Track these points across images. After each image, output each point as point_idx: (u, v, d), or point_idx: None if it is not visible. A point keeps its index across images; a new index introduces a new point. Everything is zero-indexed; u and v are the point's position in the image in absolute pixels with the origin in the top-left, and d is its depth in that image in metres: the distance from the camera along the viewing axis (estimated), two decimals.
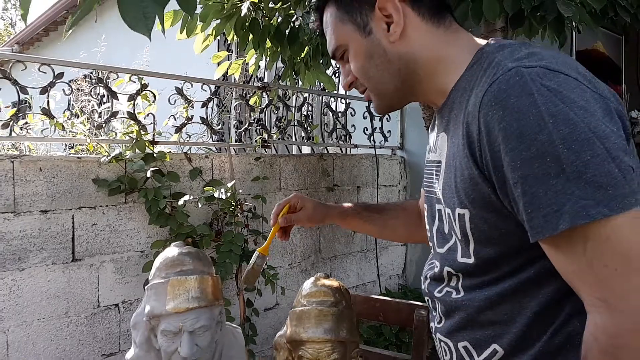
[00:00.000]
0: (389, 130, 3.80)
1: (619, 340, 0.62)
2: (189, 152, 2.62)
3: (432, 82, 0.87)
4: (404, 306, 1.68)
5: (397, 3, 0.84)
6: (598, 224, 0.62)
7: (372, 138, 3.61)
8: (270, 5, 2.71)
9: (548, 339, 0.75)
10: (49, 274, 2.15)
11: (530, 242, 0.69)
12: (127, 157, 2.31)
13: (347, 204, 1.31)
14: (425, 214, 0.98)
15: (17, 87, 2.09)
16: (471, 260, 0.83)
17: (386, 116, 3.74)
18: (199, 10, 2.63)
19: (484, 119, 0.70)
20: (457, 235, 0.84)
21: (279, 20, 2.73)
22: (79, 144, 2.54)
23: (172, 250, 1.25)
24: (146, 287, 1.23)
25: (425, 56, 0.85)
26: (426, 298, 0.99)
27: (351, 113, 3.55)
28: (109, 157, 2.25)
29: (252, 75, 3.23)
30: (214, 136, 2.83)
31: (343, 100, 3.55)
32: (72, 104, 2.35)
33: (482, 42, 0.84)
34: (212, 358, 1.28)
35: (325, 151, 3.37)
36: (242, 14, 2.62)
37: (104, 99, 2.54)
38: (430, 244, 0.98)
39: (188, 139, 2.70)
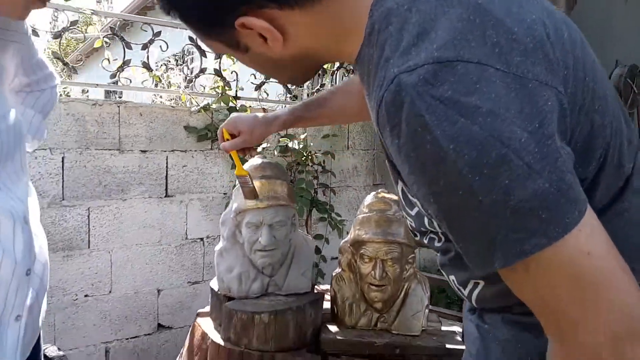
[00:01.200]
0: None
1: None
2: (267, 108, 2.86)
3: (337, 54, 0.74)
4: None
5: (259, 21, 0.64)
6: (537, 256, 0.52)
7: None
8: None
9: None
10: (145, 206, 2.47)
11: None
12: (214, 108, 2.59)
13: (287, 113, 1.27)
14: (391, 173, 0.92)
15: (123, 43, 2.41)
16: (438, 229, 0.78)
17: None
18: None
19: (387, 142, 0.58)
20: (417, 204, 0.78)
21: None
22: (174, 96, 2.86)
23: (257, 160, 1.48)
24: (234, 188, 1.47)
25: (317, 43, 0.70)
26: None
27: None
28: (198, 107, 2.53)
29: None
30: (289, 95, 3.06)
31: None
32: (168, 60, 2.65)
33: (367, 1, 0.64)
34: (286, 253, 1.50)
35: None
36: None
37: (193, 58, 2.82)
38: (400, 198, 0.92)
39: (267, 96, 2.94)
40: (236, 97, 2.74)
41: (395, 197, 1.50)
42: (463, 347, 0.96)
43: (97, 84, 2.54)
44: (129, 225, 2.43)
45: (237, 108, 2.66)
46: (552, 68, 0.56)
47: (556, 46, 0.58)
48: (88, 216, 2.33)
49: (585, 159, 0.62)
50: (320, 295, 1.55)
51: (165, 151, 2.51)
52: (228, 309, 1.42)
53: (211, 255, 2.68)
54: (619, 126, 0.68)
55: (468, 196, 0.51)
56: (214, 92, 2.69)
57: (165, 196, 2.53)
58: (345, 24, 0.66)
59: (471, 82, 0.51)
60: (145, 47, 2.46)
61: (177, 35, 2.56)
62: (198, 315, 1.61)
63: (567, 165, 0.53)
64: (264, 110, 2.78)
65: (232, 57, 2.73)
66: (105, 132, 2.33)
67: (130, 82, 2.48)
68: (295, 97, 3.12)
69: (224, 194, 2.71)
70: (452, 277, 0.85)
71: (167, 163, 2.52)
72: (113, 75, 2.41)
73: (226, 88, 2.70)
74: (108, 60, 2.38)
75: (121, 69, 2.42)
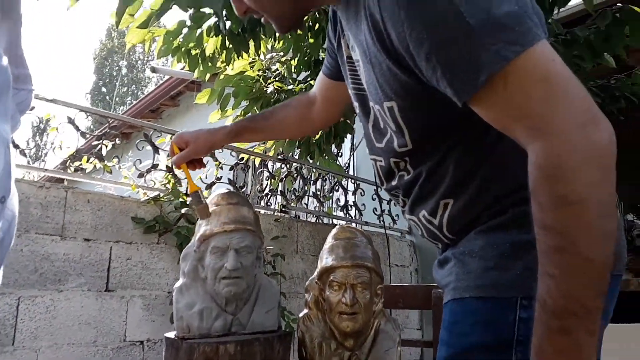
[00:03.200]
0: (397, 214, 4.06)
1: (560, 159, 0.61)
2: None
3: None
4: (421, 289, 1.81)
5: None
6: (514, 62, 0.62)
7: (381, 218, 3.86)
8: (291, 87, 3.19)
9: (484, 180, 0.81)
10: (83, 300, 2.27)
11: (459, 113, 0.71)
12: (164, 200, 2.58)
13: (233, 124, 1.34)
14: (358, 111, 0.99)
15: (79, 133, 2.44)
16: (409, 147, 0.86)
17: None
18: (230, 90, 3.11)
19: (382, 4, 0.70)
20: (391, 128, 0.86)
21: None
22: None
23: (222, 190, 1.48)
24: (197, 221, 1.43)
25: None
26: (390, 195, 1.02)
27: (361, 193, 3.85)
28: (148, 198, 2.52)
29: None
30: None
31: (353, 181, 3.88)
32: (121, 153, 2.68)
33: None
34: (251, 289, 1.42)
35: (338, 223, 3.61)
36: (268, 92, 3.08)
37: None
38: (367, 142, 1.00)
39: None
40: (187, 194, 2.75)
41: (360, 229, 1.52)
42: None
43: (45, 169, 2.49)
44: (62, 320, 2.20)
45: (188, 203, 2.65)
46: None
47: None
48: (17, 307, 2.10)
49: None
50: (288, 333, 1.44)
51: (109, 241, 2.40)
52: (188, 345, 1.28)
53: None
54: None
55: (457, 21, 0.63)
56: (165, 188, 2.70)
57: (106, 290, 2.36)
58: None
59: None
60: (99, 138, 2.50)
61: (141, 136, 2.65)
62: None
63: (528, 2, 0.67)
64: None
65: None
66: (49, 217, 2.23)
67: (81, 171, 2.46)
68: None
69: (168, 292, 2.55)
70: (422, 213, 0.91)
71: (110, 254, 2.40)
72: (63, 162, 2.39)
73: (177, 184, 2.72)
74: (60, 147, 2.38)
75: (72, 157, 2.41)
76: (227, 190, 1.48)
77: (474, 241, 0.83)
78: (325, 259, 1.44)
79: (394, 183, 0.95)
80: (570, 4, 2.72)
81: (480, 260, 0.81)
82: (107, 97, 22.77)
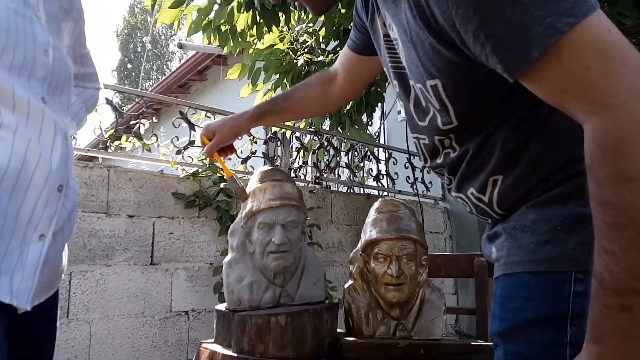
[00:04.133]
0: (430, 182, 4.04)
1: (621, 133, 0.59)
2: None
3: None
4: (463, 257, 1.82)
5: None
6: (569, 35, 0.60)
7: (414, 186, 3.85)
8: (320, 58, 3.17)
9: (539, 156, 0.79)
10: (130, 273, 2.36)
11: (508, 88, 0.69)
12: (203, 175, 2.63)
13: (255, 107, 1.36)
14: (398, 90, 0.98)
15: (116, 113, 2.49)
16: (455, 124, 0.84)
17: (427, 168, 4.01)
18: (260, 64, 3.11)
19: None
20: (434, 106, 0.85)
21: None
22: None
23: (265, 167, 1.50)
24: (248, 193, 1.46)
25: None
26: (434, 173, 1.01)
27: (393, 162, 3.84)
28: (187, 174, 2.57)
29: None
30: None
31: (385, 150, 3.87)
32: (158, 133, 2.74)
33: None
34: (297, 262, 1.46)
35: (371, 193, 3.62)
36: (299, 65, 3.07)
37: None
38: (409, 120, 0.98)
39: (252, 169, 3.01)
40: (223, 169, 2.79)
41: (403, 202, 1.53)
42: (489, 343, 0.94)
43: (88, 149, 2.56)
44: (112, 293, 2.30)
45: (224, 177, 2.70)
46: None
47: None
48: (69, 282, 2.20)
49: None
50: (336, 304, 1.48)
51: (152, 217, 2.48)
52: (241, 317, 1.33)
53: (197, 330, 2.52)
54: None
55: None
56: (202, 164, 2.75)
57: (151, 264, 2.44)
58: None
59: None
60: (137, 117, 2.55)
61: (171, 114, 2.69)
62: (201, 344, 1.49)
63: None
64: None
65: None
66: (94, 195, 2.30)
67: (122, 149, 2.52)
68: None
69: (210, 264, 2.63)
70: (470, 190, 0.89)
71: (153, 229, 2.47)
72: (104, 142, 2.45)
73: (213, 160, 2.76)
74: (100, 127, 2.44)
75: (112, 136, 2.47)
76: (270, 167, 1.50)
77: (525, 215, 0.82)
78: (369, 232, 1.46)
79: (439, 161, 0.94)
80: None
81: (532, 235, 0.80)
82: (133, 74, 22.97)
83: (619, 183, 0.60)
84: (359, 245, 1.52)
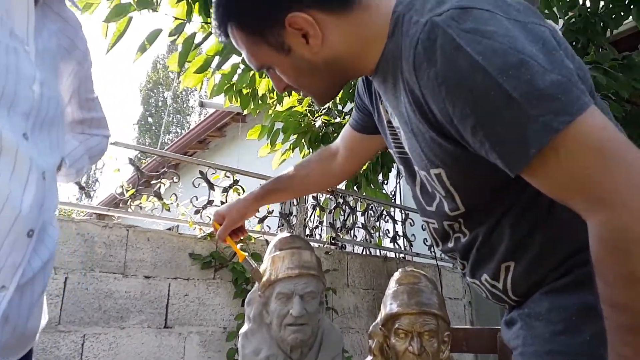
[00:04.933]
0: None
1: (627, 233, 0.58)
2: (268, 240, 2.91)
3: (360, 64, 0.85)
4: (486, 331, 1.76)
5: (307, 16, 0.77)
6: (564, 133, 0.60)
7: (432, 249, 3.80)
8: (338, 120, 3.23)
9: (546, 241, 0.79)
10: (143, 337, 2.32)
11: (511, 178, 0.68)
12: None
13: (260, 188, 1.38)
14: (404, 174, 0.99)
15: (138, 173, 2.53)
16: (462, 210, 0.84)
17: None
18: (279, 125, 3.17)
19: (422, 82, 0.69)
20: (440, 193, 0.85)
21: None
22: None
23: (284, 234, 1.49)
24: (265, 260, 1.45)
25: (348, 49, 0.82)
26: (447, 256, 1.01)
27: (410, 223, 3.81)
28: (205, 234, 2.57)
29: None
30: (289, 229, 3.13)
31: (401, 210, 3.85)
32: (176, 189, 2.76)
33: (392, 1, 0.79)
34: (315, 335, 1.42)
35: (388, 255, 3.57)
36: (316, 126, 3.12)
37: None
38: (417, 204, 0.98)
39: (269, 229, 3.01)
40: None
41: (423, 272, 1.50)
42: None
43: (108, 208, 2.59)
44: (124, 357, 2.25)
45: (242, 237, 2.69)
46: (541, 19, 0.72)
47: (544, 19, 0.74)
48: (82, 344, 2.16)
49: None
50: None
51: (168, 278, 2.46)
52: None
53: None
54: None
55: (500, 95, 0.62)
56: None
57: (165, 327, 2.40)
58: (372, 29, 0.80)
59: (486, 20, 0.66)
60: (158, 177, 2.59)
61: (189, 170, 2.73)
62: None
63: (572, 70, 0.65)
64: (266, 241, 2.82)
65: (237, 190, 2.87)
66: (112, 255, 2.31)
67: (141, 209, 2.55)
68: (292, 227, 3.20)
69: (224, 328, 2.58)
70: (484, 277, 0.89)
71: (169, 291, 2.45)
72: (125, 202, 2.48)
73: None
74: (122, 187, 2.47)
75: (133, 196, 2.50)
76: (288, 234, 1.49)
77: (539, 302, 0.81)
78: (390, 305, 1.42)
79: (450, 245, 0.94)
80: (624, 22, 2.66)
81: (548, 324, 0.78)
82: (154, 127, 23.58)
83: (630, 285, 0.59)
84: (378, 319, 1.48)
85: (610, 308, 0.61)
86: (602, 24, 2.58)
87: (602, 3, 2.62)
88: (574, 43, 2.50)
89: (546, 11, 2.65)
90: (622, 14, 2.57)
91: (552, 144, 0.61)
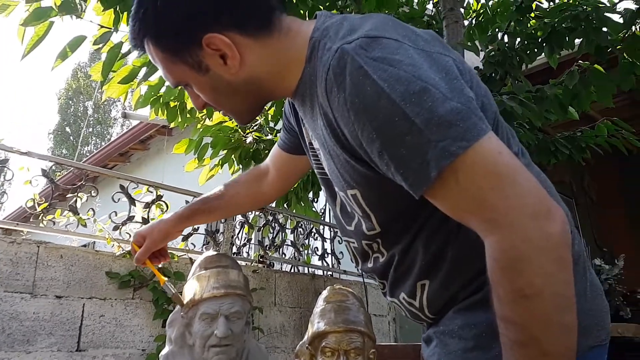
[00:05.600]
0: None
1: (514, 252, 0.62)
2: (193, 258, 2.81)
3: (281, 86, 0.86)
4: (410, 348, 1.80)
5: (224, 38, 0.78)
6: (462, 158, 0.64)
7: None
8: (269, 137, 3.21)
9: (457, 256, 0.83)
10: None
11: (420, 199, 0.71)
12: None
13: (185, 208, 1.32)
14: (326, 194, 1.01)
15: (52, 186, 2.37)
16: (377, 230, 0.88)
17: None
18: (208, 140, 3.10)
19: (334, 106, 0.72)
20: (357, 212, 0.88)
21: None
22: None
23: (210, 253, 1.44)
24: (187, 280, 1.39)
25: (267, 71, 0.83)
26: (366, 276, 1.02)
27: (339, 241, 3.84)
28: (123, 251, 2.44)
29: None
30: (215, 247, 3.05)
31: (330, 228, 3.87)
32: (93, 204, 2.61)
33: (311, 26, 0.82)
34: (240, 357, 1.38)
35: (316, 273, 3.57)
36: (247, 142, 3.08)
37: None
38: (337, 223, 1.01)
39: (194, 247, 2.91)
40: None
41: (350, 290, 1.50)
42: None
43: (17, 223, 2.39)
44: None
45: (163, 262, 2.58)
46: (447, 49, 0.78)
47: (449, 49, 0.80)
48: None
49: None
50: None
51: (82, 298, 2.30)
52: None
53: None
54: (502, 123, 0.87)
55: (403, 121, 0.65)
56: None
57: (77, 350, 2.24)
58: (291, 54, 0.82)
59: (394, 49, 0.70)
60: (74, 190, 2.44)
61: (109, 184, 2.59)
62: None
63: (472, 98, 0.70)
64: (190, 260, 2.72)
65: (160, 206, 2.77)
66: (19, 273, 2.13)
67: (54, 224, 2.38)
68: (218, 245, 3.12)
69: (143, 350, 2.45)
70: (402, 295, 0.92)
71: (83, 311, 2.29)
72: (36, 216, 2.31)
73: None
74: (33, 200, 2.30)
75: (46, 210, 2.33)
76: (214, 253, 1.45)
77: (453, 320, 0.84)
78: (317, 324, 1.42)
79: (369, 265, 0.96)
80: (538, 57, 2.86)
81: (460, 341, 0.82)
82: (72, 138, 22.32)
83: (517, 301, 0.63)
84: (305, 337, 1.46)
85: (503, 323, 0.65)
86: (518, 58, 2.76)
87: (518, 39, 2.81)
88: (492, 74, 2.65)
89: (469, 43, 2.80)
90: (536, 50, 2.77)
91: (451, 168, 0.64)
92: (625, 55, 2.61)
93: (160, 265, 1.40)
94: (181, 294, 1.37)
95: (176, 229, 1.29)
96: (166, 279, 1.34)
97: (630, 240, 5.29)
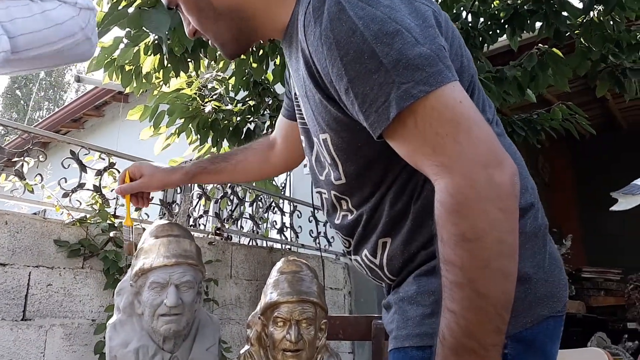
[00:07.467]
0: (332, 237, 4.08)
1: (461, 197, 0.64)
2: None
3: (270, 26, 0.88)
4: (362, 319, 1.82)
5: None
6: (423, 101, 0.65)
7: (317, 241, 3.86)
8: (229, 107, 3.14)
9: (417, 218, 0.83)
10: None
11: (388, 150, 0.73)
12: (91, 222, 2.42)
13: (192, 164, 1.31)
14: (304, 145, 1.01)
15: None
16: (343, 180, 0.88)
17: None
18: (165, 107, 3.00)
19: (309, 41, 0.73)
20: (327, 160, 0.89)
21: (237, 120, 3.13)
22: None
23: (161, 222, 1.41)
24: (137, 250, 1.36)
25: (255, 6, 0.85)
26: (334, 231, 1.03)
27: (298, 215, 3.84)
28: (73, 219, 2.36)
29: None
30: (170, 218, 2.99)
31: (290, 202, 3.86)
32: (44, 171, 2.51)
33: None
34: (191, 325, 1.36)
35: (274, 246, 3.57)
36: (206, 112, 3.01)
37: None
38: (312, 175, 1.01)
39: (147, 217, 2.84)
40: (115, 215, 2.61)
41: (305, 261, 1.50)
42: None
43: None
44: None
45: (116, 225, 2.51)
46: (431, 1, 0.79)
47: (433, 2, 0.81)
48: None
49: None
50: None
51: (28, 266, 2.22)
52: None
53: None
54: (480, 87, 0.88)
55: (371, 59, 0.67)
56: (91, 209, 2.55)
57: (22, 319, 2.17)
58: None
59: None
60: (21, 154, 2.32)
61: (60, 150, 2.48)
62: None
63: (443, 47, 0.71)
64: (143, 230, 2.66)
65: (112, 174, 2.68)
66: None
67: None
68: (174, 216, 3.07)
69: (92, 320, 2.40)
70: (364, 253, 0.92)
71: (29, 280, 2.21)
72: None
73: (104, 205, 2.58)
74: None
75: None
76: (167, 222, 1.41)
77: (411, 286, 0.85)
78: (270, 294, 1.41)
79: (337, 222, 0.96)
80: (499, 40, 2.90)
81: (418, 307, 0.82)
82: (22, 101, 21.32)
83: (458, 243, 0.64)
84: (258, 308, 1.45)
85: (444, 265, 0.66)
86: (480, 38, 2.78)
87: (482, 19, 2.83)
88: None
89: None
90: (498, 31, 2.80)
91: (410, 110, 0.66)
92: (582, 40, 2.67)
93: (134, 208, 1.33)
94: (135, 248, 1.34)
95: (177, 182, 1.31)
96: (133, 224, 1.31)
97: (578, 221, 5.53)
